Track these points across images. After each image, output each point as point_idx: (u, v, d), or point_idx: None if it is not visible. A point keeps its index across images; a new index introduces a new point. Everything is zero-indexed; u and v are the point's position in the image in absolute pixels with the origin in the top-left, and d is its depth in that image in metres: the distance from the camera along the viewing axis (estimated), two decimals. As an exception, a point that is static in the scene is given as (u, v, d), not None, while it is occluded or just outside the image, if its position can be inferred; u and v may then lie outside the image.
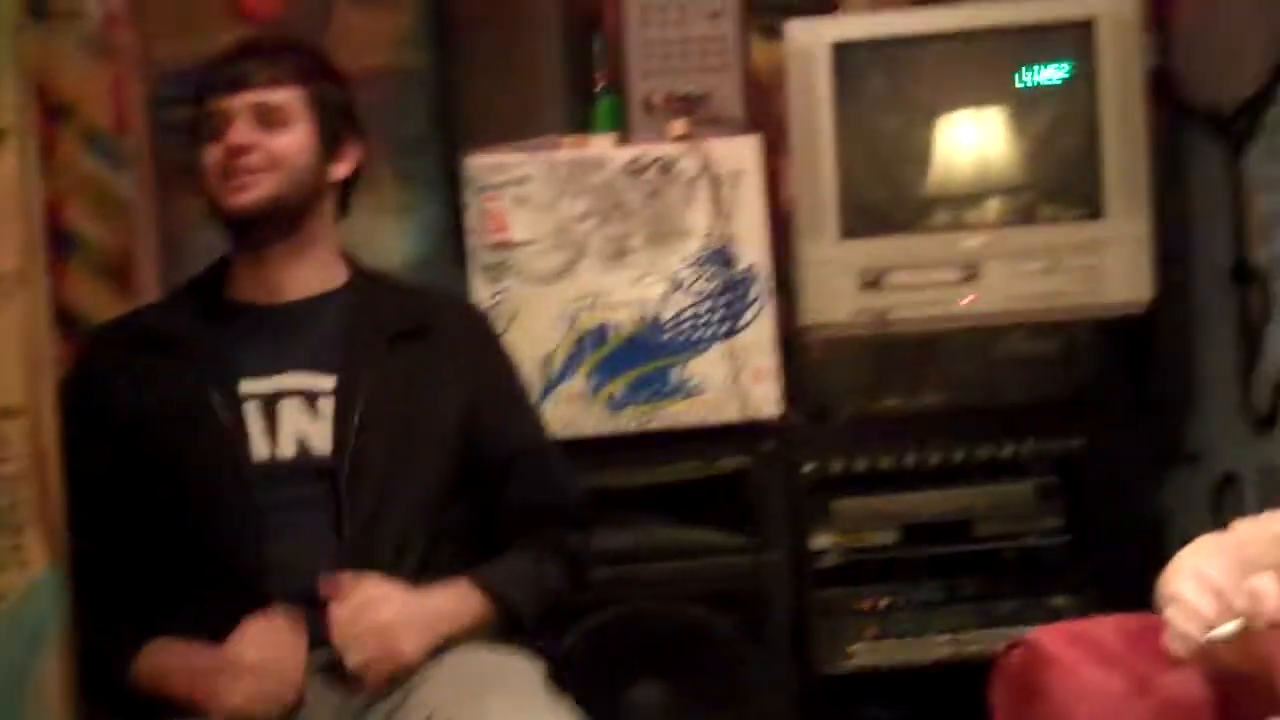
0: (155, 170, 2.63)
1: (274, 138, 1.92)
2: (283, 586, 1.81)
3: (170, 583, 1.87)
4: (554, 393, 2.43)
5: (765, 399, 2.45)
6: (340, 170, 1.99)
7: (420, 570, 1.86)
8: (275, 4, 2.80)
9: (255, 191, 1.91)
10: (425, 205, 2.81)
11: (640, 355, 2.44)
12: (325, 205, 1.99)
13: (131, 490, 1.90)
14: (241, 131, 1.91)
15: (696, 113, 2.60)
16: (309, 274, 1.98)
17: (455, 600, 1.86)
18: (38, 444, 1.80)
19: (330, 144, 1.97)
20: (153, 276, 2.56)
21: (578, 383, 2.44)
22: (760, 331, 2.45)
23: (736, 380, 2.44)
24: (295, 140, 1.93)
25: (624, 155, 2.48)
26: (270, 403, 1.90)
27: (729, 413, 2.44)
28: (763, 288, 2.45)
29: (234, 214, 1.92)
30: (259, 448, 1.88)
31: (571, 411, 2.42)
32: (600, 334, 2.44)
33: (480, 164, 2.47)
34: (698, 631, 2.39)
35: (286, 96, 1.93)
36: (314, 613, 1.78)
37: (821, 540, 2.51)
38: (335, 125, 1.98)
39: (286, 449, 1.89)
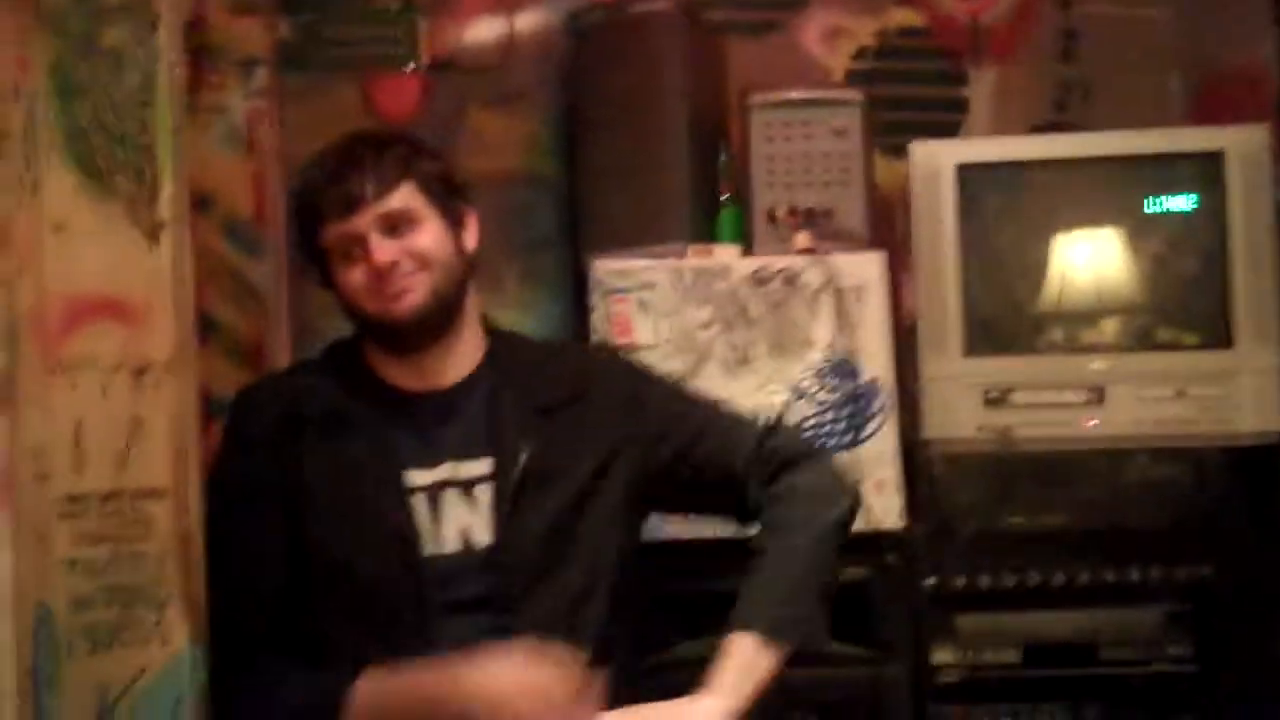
0: (288, 259, 2.71)
1: (411, 240, 1.89)
2: None
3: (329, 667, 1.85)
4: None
5: (887, 510, 2.45)
6: (470, 240, 1.97)
7: (600, 648, 1.85)
8: (411, 104, 2.89)
9: (415, 296, 1.88)
10: (548, 304, 2.86)
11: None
12: (468, 282, 1.97)
13: (294, 565, 1.89)
14: (382, 248, 1.87)
15: (819, 226, 2.63)
16: (459, 357, 1.95)
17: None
18: (182, 524, 1.85)
19: (455, 219, 1.95)
20: (285, 361, 2.62)
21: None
22: (883, 443, 2.46)
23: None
24: (430, 234, 1.90)
25: (749, 265, 2.52)
26: (434, 495, 1.90)
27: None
28: (886, 400, 2.47)
29: (398, 322, 1.89)
30: (426, 544, 1.87)
31: (692, 517, 2.43)
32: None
33: (608, 268, 2.52)
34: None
35: (404, 197, 1.90)
36: None
37: (942, 656, 2.49)
38: (452, 199, 1.95)
39: (451, 543, 1.88)
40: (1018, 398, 2.49)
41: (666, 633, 2.39)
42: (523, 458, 1.89)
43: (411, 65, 2.91)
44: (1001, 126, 2.97)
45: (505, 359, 1.98)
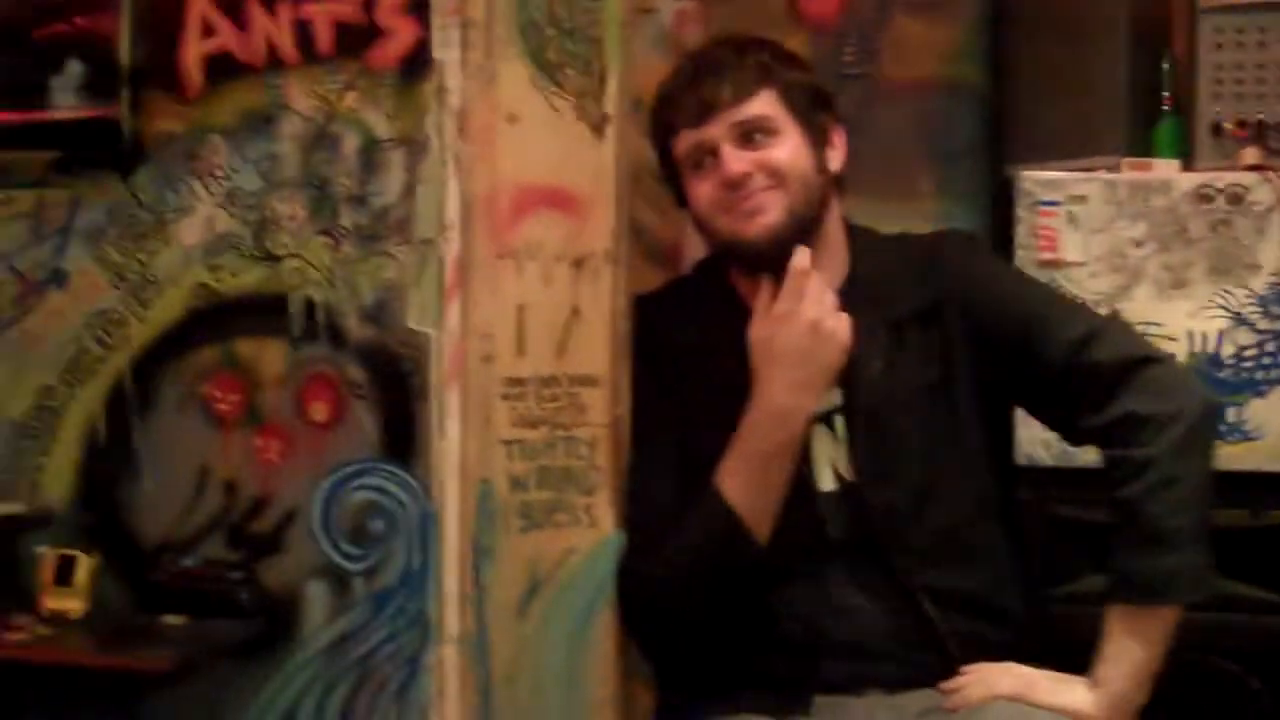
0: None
1: (767, 152, 1.79)
2: (835, 630, 1.79)
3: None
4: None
5: (1333, 453, 2.27)
6: (835, 160, 1.85)
7: (996, 577, 1.81)
8: (835, 8, 2.83)
9: (769, 215, 1.78)
10: (964, 217, 2.75)
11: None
12: (831, 201, 1.86)
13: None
14: (734, 158, 1.78)
15: (1271, 141, 2.43)
16: (820, 277, 1.83)
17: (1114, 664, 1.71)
18: (615, 412, 1.89)
19: (819, 135, 1.83)
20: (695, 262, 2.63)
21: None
22: (1331, 380, 2.27)
23: (1301, 429, 2.27)
24: (788, 147, 1.80)
25: (1190, 181, 2.36)
26: (818, 426, 1.83)
27: (1289, 462, 2.27)
28: (1337, 334, 2.27)
29: (751, 244, 1.79)
30: (822, 479, 1.83)
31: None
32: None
33: (1036, 179, 2.41)
34: (1227, 688, 2.24)
35: (762, 104, 1.79)
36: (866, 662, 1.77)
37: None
38: (816, 113, 1.83)
39: (827, 480, 1.83)
40: None
41: (1075, 563, 2.29)
42: (879, 387, 1.80)
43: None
44: None
45: (863, 273, 1.87)
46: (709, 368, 1.86)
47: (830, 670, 1.77)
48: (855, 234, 1.90)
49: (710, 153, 1.79)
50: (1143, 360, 1.77)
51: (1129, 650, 1.71)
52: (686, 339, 1.89)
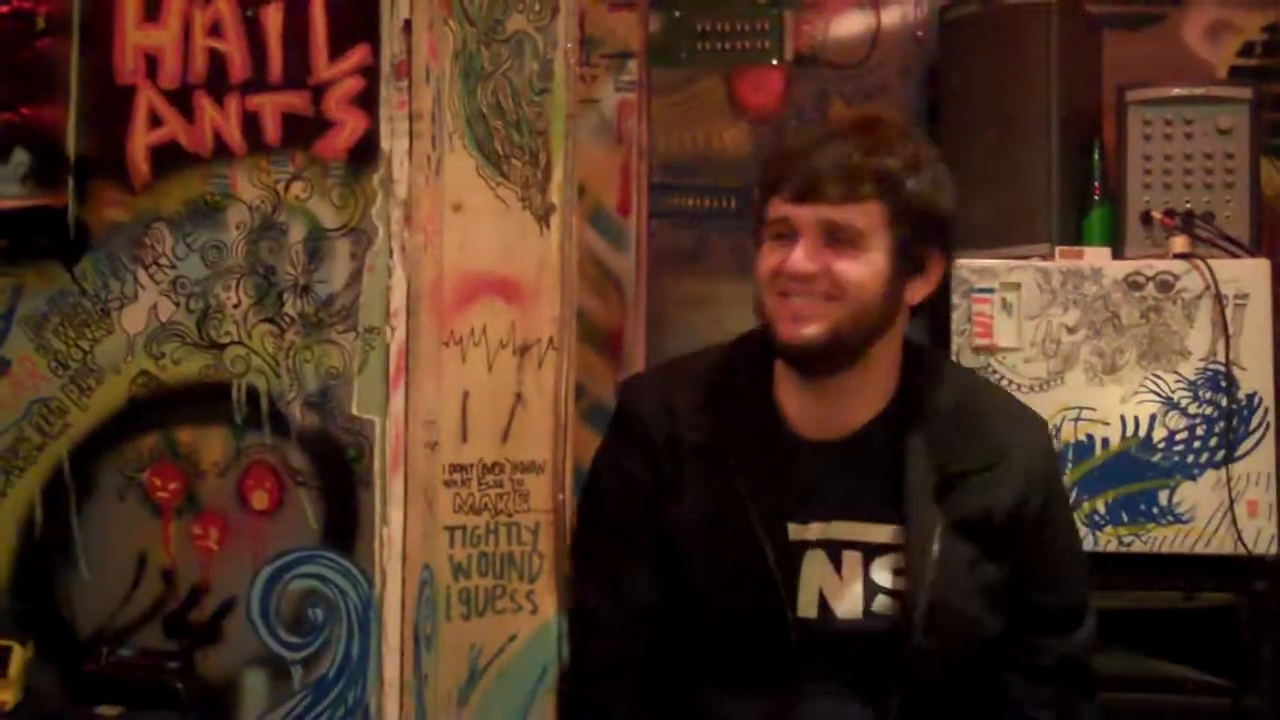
0: (648, 251, 2.76)
1: (842, 262, 1.63)
2: None
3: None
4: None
5: (1260, 535, 2.31)
6: (919, 292, 1.70)
7: None
8: (775, 99, 2.89)
9: (813, 326, 1.63)
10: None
11: (1127, 474, 2.36)
12: (895, 329, 1.70)
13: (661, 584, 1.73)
14: (807, 253, 1.63)
15: (1198, 230, 2.50)
16: (863, 402, 1.71)
17: None
18: (558, 498, 1.90)
19: (910, 264, 1.67)
20: (640, 352, 2.67)
21: (1055, 496, 2.37)
22: (1259, 463, 2.33)
23: (1229, 511, 2.32)
24: (867, 268, 1.63)
25: (1121, 269, 2.42)
26: (819, 552, 1.70)
27: (1218, 545, 2.32)
28: (1266, 417, 2.32)
29: (784, 344, 1.66)
30: (804, 604, 1.68)
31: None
32: (1086, 448, 2.37)
33: (970, 266, 2.45)
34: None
35: (863, 216, 1.63)
36: None
37: (1310, 689, 2.34)
38: (919, 242, 1.66)
39: (840, 607, 1.69)
40: None
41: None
42: (931, 531, 1.67)
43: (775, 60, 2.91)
44: None
45: (917, 402, 1.72)
46: (720, 472, 1.70)
47: None
48: (912, 353, 1.76)
49: (791, 232, 1.66)
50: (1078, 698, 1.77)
51: None
52: (698, 438, 1.72)
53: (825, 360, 1.67)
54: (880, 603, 1.69)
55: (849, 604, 1.69)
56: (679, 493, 1.71)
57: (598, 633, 1.74)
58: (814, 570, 1.69)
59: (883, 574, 1.70)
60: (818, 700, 1.68)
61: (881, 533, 1.70)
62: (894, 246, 1.64)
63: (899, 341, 1.74)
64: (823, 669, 1.68)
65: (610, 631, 1.73)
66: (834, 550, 1.70)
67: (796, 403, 1.72)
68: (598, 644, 1.75)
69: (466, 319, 1.83)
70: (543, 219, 1.92)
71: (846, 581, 1.69)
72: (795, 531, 1.69)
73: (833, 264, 1.63)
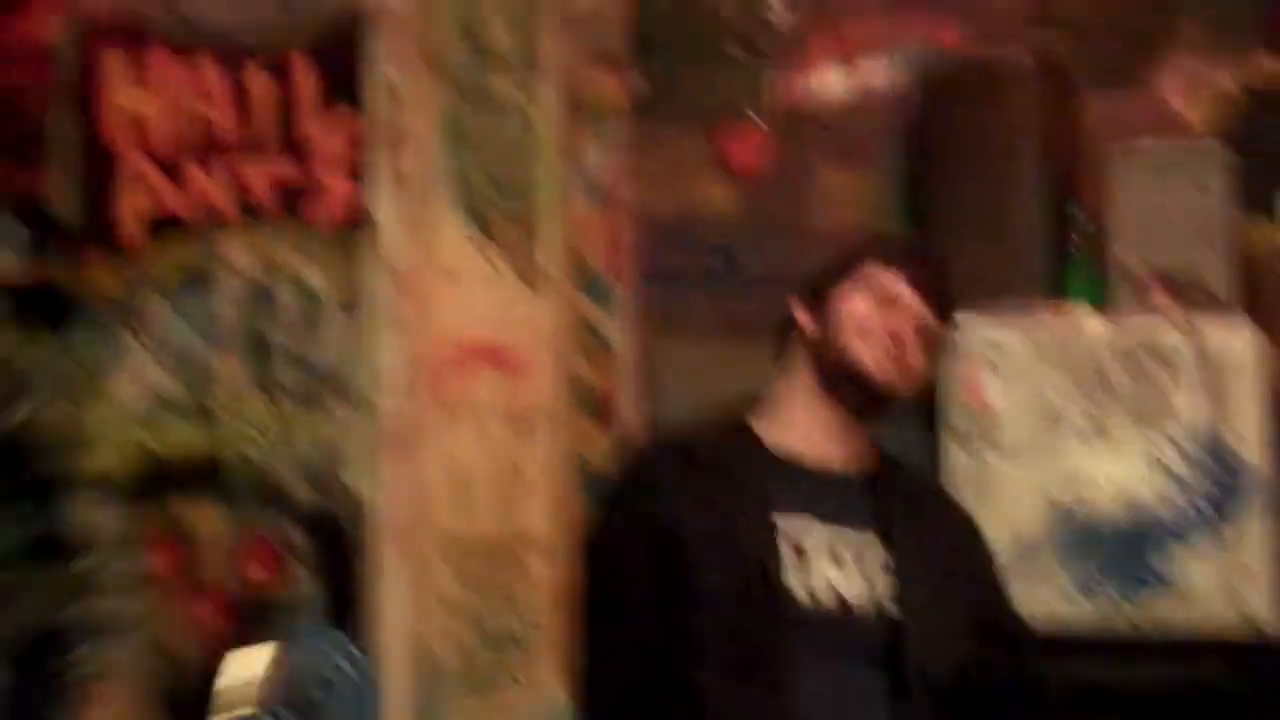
0: (638, 315, 2.74)
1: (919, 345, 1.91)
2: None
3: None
4: (1023, 569, 2.35)
5: (1258, 607, 2.30)
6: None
7: None
8: (761, 162, 2.90)
9: (916, 378, 1.91)
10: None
11: (1118, 540, 2.35)
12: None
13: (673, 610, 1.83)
14: (913, 322, 1.89)
15: (1177, 288, 2.51)
16: (862, 450, 1.93)
17: None
18: (556, 571, 1.88)
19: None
20: (632, 416, 2.64)
21: (1046, 560, 2.36)
22: (1254, 533, 2.31)
23: (1227, 581, 2.31)
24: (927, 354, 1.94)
25: (1109, 331, 2.42)
26: (815, 540, 1.85)
27: (1214, 612, 2.31)
28: (1258, 485, 2.32)
29: (886, 390, 1.88)
30: (801, 590, 1.82)
31: (1040, 590, 2.33)
32: (1076, 513, 2.36)
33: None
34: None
35: (937, 328, 1.94)
36: None
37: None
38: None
39: (825, 597, 1.83)
40: None
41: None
42: (909, 535, 1.88)
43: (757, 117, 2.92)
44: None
45: (892, 473, 1.96)
46: (722, 555, 1.82)
47: None
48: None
49: (892, 303, 1.89)
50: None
51: None
52: (700, 523, 1.84)
53: (891, 404, 1.91)
54: (876, 588, 1.84)
55: (848, 589, 1.83)
56: (692, 574, 1.80)
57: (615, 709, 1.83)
58: (811, 556, 1.83)
59: (874, 565, 1.85)
60: (815, 684, 1.78)
61: (871, 536, 1.88)
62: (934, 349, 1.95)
63: None
64: (822, 655, 1.79)
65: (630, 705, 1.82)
66: (828, 539, 1.85)
67: (806, 425, 1.91)
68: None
69: (461, 389, 1.82)
70: (532, 284, 1.91)
71: (844, 568, 1.84)
72: (789, 522, 1.84)
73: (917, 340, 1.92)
